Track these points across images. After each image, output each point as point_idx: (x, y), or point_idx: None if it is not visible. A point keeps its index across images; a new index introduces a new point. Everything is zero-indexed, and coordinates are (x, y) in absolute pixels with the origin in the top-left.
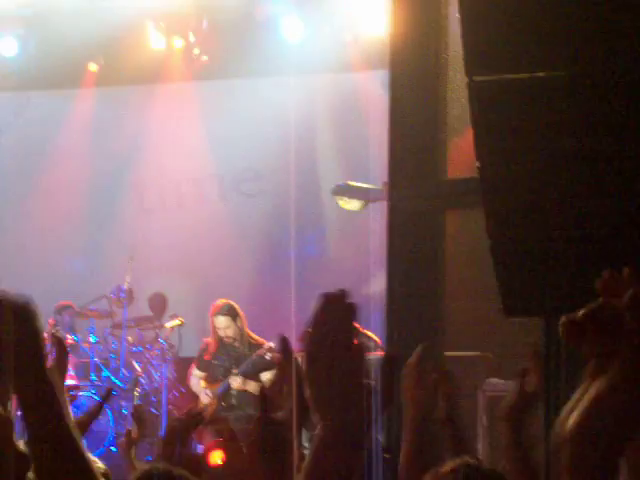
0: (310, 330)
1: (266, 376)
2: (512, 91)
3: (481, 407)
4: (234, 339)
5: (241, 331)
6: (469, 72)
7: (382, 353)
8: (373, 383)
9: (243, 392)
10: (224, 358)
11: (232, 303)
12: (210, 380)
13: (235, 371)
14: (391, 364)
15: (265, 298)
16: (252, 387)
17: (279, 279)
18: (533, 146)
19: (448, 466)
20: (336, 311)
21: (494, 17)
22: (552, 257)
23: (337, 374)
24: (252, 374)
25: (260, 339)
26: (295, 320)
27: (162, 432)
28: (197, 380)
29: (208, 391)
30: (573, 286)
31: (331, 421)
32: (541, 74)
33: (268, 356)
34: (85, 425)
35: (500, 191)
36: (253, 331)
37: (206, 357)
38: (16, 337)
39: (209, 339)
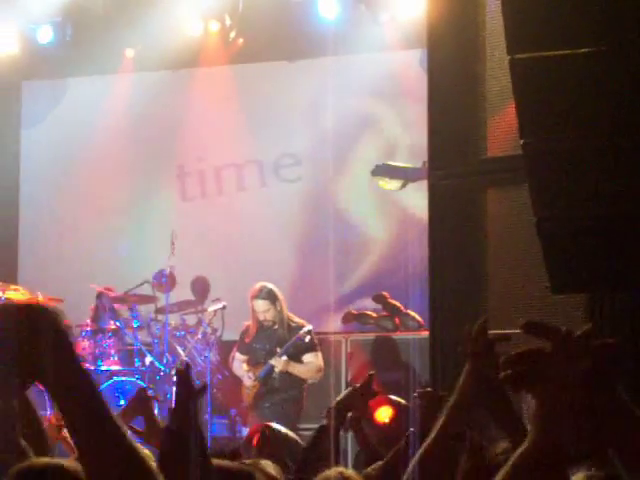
0: None
1: (308, 358)
2: (553, 68)
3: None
4: (274, 322)
5: (280, 314)
6: (511, 50)
7: (425, 332)
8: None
9: (286, 374)
10: (265, 341)
11: (271, 286)
12: (252, 363)
13: (278, 352)
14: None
15: (305, 281)
16: (295, 369)
17: (319, 262)
18: (576, 122)
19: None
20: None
21: None
22: (599, 233)
23: None
24: (294, 356)
25: (300, 321)
26: (334, 300)
27: (207, 415)
28: (239, 363)
29: (251, 374)
30: (621, 263)
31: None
32: (583, 50)
33: (307, 339)
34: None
35: (545, 167)
36: (293, 313)
37: (247, 340)
38: (52, 345)
39: (249, 323)
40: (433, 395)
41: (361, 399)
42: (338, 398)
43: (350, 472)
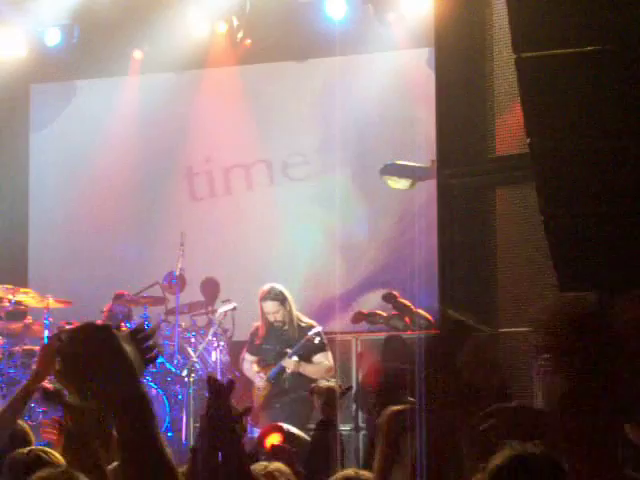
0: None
1: (318, 358)
2: (560, 66)
3: (536, 382)
4: (283, 323)
5: (290, 315)
6: (517, 49)
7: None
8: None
9: (296, 375)
10: (274, 342)
11: (280, 287)
12: (262, 364)
13: (288, 353)
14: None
15: (315, 280)
16: (306, 370)
17: (328, 260)
18: (583, 120)
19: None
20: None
21: None
22: (606, 232)
23: None
24: (304, 357)
25: (309, 321)
26: (344, 300)
27: None
28: (249, 364)
29: (262, 375)
30: (628, 261)
31: None
32: (588, 49)
33: (317, 340)
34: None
35: (551, 166)
36: (303, 313)
37: (257, 342)
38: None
39: (259, 323)
40: None
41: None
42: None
43: (364, 473)
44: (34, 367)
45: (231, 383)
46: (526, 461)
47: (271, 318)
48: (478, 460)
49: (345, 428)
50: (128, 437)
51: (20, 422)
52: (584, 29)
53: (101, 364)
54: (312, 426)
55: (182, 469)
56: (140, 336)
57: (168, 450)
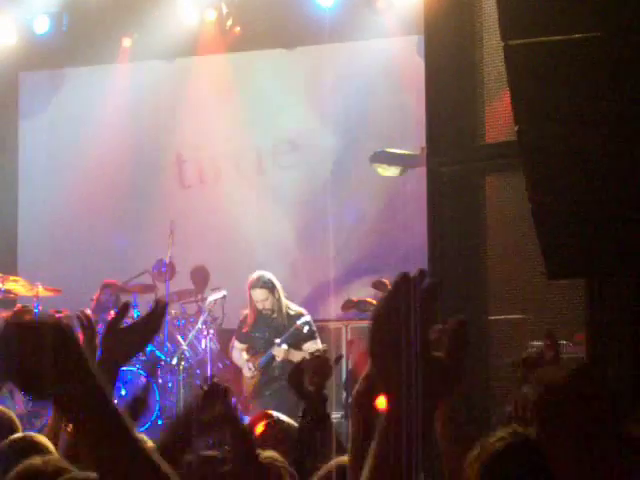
0: (382, 310)
1: (308, 346)
2: (548, 54)
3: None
4: (272, 311)
5: (279, 303)
6: (504, 36)
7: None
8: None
9: (286, 362)
10: (263, 330)
11: (269, 275)
12: (251, 352)
13: (277, 341)
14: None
15: (305, 267)
16: (295, 357)
17: (318, 248)
18: (571, 108)
19: (498, 436)
20: (409, 294)
21: None
22: (594, 219)
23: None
24: (294, 345)
25: (298, 309)
26: (334, 287)
27: None
28: (239, 352)
29: (251, 364)
30: (616, 247)
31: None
32: (576, 36)
33: (306, 329)
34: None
35: (539, 154)
36: (294, 300)
37: (245, 330)
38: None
39: (247, 311)
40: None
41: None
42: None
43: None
44: None
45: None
46: (528, 442)
47: (260, 306)
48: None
49: (336, 415)
50: (93, 442)
51: (5, 410)
52: (572, 16)
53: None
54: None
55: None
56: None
57: (146, 445)
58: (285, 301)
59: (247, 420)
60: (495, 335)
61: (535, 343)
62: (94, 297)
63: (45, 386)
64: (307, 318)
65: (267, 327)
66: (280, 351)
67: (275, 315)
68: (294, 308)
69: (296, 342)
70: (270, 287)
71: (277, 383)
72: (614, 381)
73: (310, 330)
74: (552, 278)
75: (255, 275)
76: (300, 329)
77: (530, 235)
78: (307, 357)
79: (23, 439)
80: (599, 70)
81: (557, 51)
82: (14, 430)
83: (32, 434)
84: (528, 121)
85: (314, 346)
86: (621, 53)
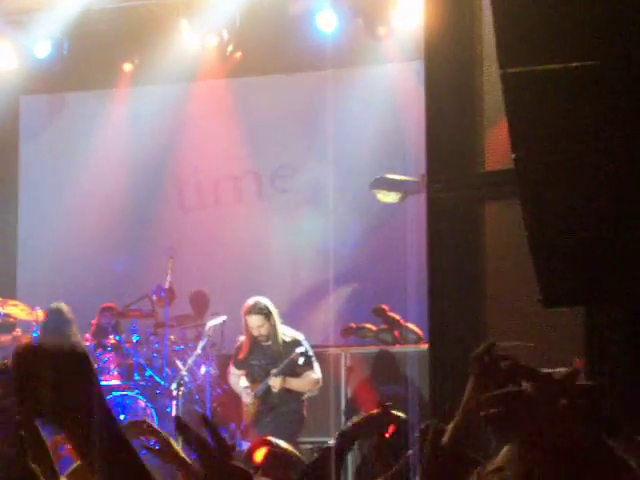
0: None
1: (305, 372)
2: (546, 82)
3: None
4: (267, 337)
5: (275, 329)
6: (503, 64)
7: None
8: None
9: (285, 390)
10: (260, 357)
11: (265, 301)
12: (249, 380)
13: (273, 372)
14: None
15: (304, 292)
16: (292, 384)
17: (318, 273)
18: (568, 136)
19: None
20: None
21: (526, 9)
22: (591, 247)
23: None
24: (291, 372)
25: (294, 334)
26: (333, 313)
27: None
28: (236, 379)
29: (249, 391)
30: (612, 275)
31: None
32: (574, 64)
33: (301, 360)
34: None
35: (536, 182)
36: (292, 325)
37: (240, 356)
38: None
39: (243, 338)
40: (436, 430)
41: (376, 426)
42: (351, 421)
43: None
44: None
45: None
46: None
47: (255, 332)
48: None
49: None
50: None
51: None
52: (570, 45)
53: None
54: (303, 439)
55: None
56: None
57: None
58: (281, 327)
59: (246, 446)
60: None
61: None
62: (93, 322)
63: (64, 414)
64: (303, 348)
65: (263, 354)
66: (276, 381)
67: (270, 342)
68: (290, 334)
69: (292, 372)
70: (266, 313)
71: (276, 410)
72: (613, 406)
73: (306, 360)
74: (549, 306)
75: (251, 301)
76: (295, 360)
77: (529, 262)
78: (307, 384)
79: None
80: (597, 99)
81: (555, 79)
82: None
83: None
84: (525, 149)
85: (313, 376)
86: (619, 82)
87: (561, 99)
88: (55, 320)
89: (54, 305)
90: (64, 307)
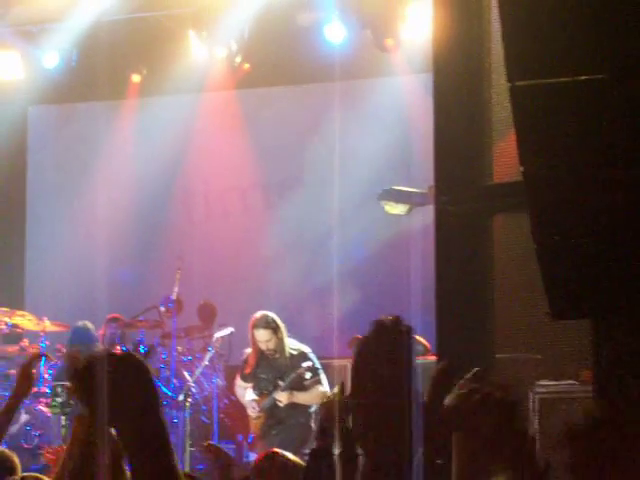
0: (359, 361)
1: (316, 388)
2: (554, 95)
3: (532, 409)
4: (274, 351)
5: (282, 343)
6: (511, 77)
7: (434, 357)
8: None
9: (291, 405)
10: (267, 370)
11: (272, 315)
12: (257, 392)
13: (280, 386)
14: (446, 376)
15: (311, 303)
16: (300, 398)
17: (325, 284)
18: (577, 149)
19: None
20: (388, 340)
21: (534, 23)
22: (599, 260)
23: (382, 411)
24: (298, 386)
25: (301, 346)
26: (339, 324)
27: (214, 440)
28: (242, 391)
29: (255, 404)
30: (621, 289)
31: (373, 456)
32: (582, 78)
33: (308, 375)
34: None
35: (545, 194)
36: (298, 336)
37: (247, 370)
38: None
39: (250, 351)
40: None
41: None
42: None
43: None
44: (14, 385)
45: None
46: None
47: (263, 346)
48: None
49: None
50: (146, 470)
51: (4, 449)
52: (578, 58)
53: (130, 395)
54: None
55: None
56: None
57: None
58: (287, 341)
59: (253, 458)
60: (501, 374)
61: (543, 382)
62: (99, 332)
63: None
64: (309, 362)
65: (270, 368)
66: (283, 396)
67: (277, 355)
68: (297, 347)
69: (300, 386)
70: (273, 327)
71: (283, 423)
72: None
73: (313, 374)
74: (556, 318)
75: (258, 314)
76: (302, 375)
77: (537, 275)
78: (315, 398)
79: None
80: (605, 112)
81: (563, 93)
82: (13, 469)
83: (35, 474)
84: (534, 162)
85: (321, 389)
86: (628, 95)
87: (569, 112)
88: (81, 338)
89: (80, 323)
90: (90, 325)
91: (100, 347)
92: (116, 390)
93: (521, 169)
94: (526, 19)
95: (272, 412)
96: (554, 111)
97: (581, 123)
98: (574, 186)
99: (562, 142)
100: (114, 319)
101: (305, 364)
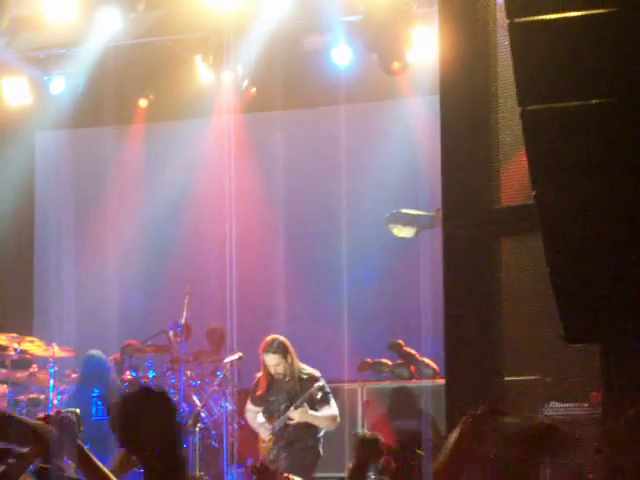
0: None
1: (326, 411)
2: (565, 119)
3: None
4: (285, 375)
5: (292, 367)
6: (522, 102)
7: (443, 380)
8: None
9: (300, 426)
10: (277, 394)
11: (282, 339)
12: (266, 416)
13: (295, 404)
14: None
15: (321, 327)
16: (312, 416)
17: (335, 308)
18: (589, 172)
19: None
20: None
21: (544, 48)
22: (612, 284)
23: None
24: (310, 407)
25: (311, 371)
26: (349, 348)
27: (224, 465)
28: (253, 415)
29: (267, 425)
30: (634, 313)
31: None
32: (593, 102)
33: (319, 395)
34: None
35: (557, 218)
36: (308, 362)
37: (258, 393)
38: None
39: (260, 375)
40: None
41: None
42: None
43: None
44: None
45: None
46: None
47: (272, 370)
48: None
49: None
50: None
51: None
52: (588, 82)
53: (160, 429)
54: (319, 475)
55: None
56: None
57: None
58: (298, 365)
59: None
60: (511, 396)
61: (552, 403)
62: (114, 357)
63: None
64: (321, 383)
65: (280, 391)
66: (295, 413)
67: (288, 379)
68: (307, 371)
69: (311, 407)
70: (283, 352)
71: (293, 447)
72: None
73: (324, 395)
74: (570, 342)
75: (268, 339)
76: (313, 395)
77: (545, 298)
78: (325, 420)
79: None
80: (616, 136)
81: (573, 116)
82: None
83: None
84: (545, 185)
85: (330, 411)
86: (635, 119)
87: (580, 136)
88: (95, 367)
89: (93, 352)
90: (102, 354)
91: (114, 377)
92: (146, 426)
93: (533, 193)
94: (536, 45)
95: (282, 435)
96: (565, 135)
97: (593, 147)
98: (587, 210)
99: (574, 166)
100: (130, 345)
101: (316, 385)
